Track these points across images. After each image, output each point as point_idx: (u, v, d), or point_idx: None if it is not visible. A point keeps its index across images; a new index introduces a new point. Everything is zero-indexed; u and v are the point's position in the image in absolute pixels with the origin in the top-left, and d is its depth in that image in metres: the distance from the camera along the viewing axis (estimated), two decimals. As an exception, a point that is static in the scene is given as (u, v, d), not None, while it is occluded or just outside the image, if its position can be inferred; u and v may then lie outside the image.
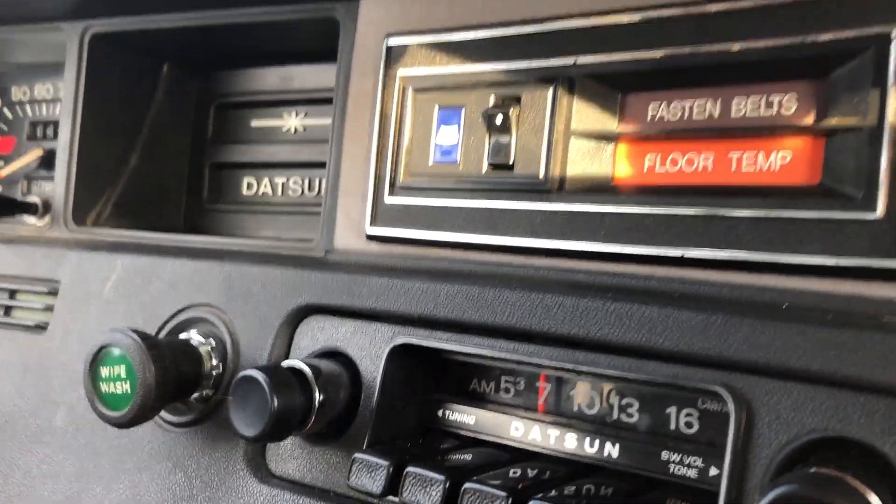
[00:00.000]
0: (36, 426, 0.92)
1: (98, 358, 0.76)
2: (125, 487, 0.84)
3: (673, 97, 0.68)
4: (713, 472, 0.61)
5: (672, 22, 0.65)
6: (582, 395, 0.69)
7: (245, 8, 0.94)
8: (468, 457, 0.68)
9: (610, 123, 0.70)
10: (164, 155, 1.15)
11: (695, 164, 0.67)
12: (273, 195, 1.12)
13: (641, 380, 0.63)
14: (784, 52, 0.61)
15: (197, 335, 0.83)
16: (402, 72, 0.79)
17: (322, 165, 0.90)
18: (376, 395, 0.72)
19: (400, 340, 0.72)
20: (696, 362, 0.60)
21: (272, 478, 0.77)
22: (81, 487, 0.87)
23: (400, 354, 0.72)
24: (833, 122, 0.59)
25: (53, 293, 0.98)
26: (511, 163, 0.72)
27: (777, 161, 0.63)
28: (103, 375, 0.76)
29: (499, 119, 0.72)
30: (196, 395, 0.82)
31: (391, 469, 0.64)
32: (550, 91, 0.71)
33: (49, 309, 0.98)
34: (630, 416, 0.67)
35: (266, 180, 1.13)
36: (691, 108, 0.67)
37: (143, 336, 0.76)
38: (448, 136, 0.77)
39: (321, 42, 0.93)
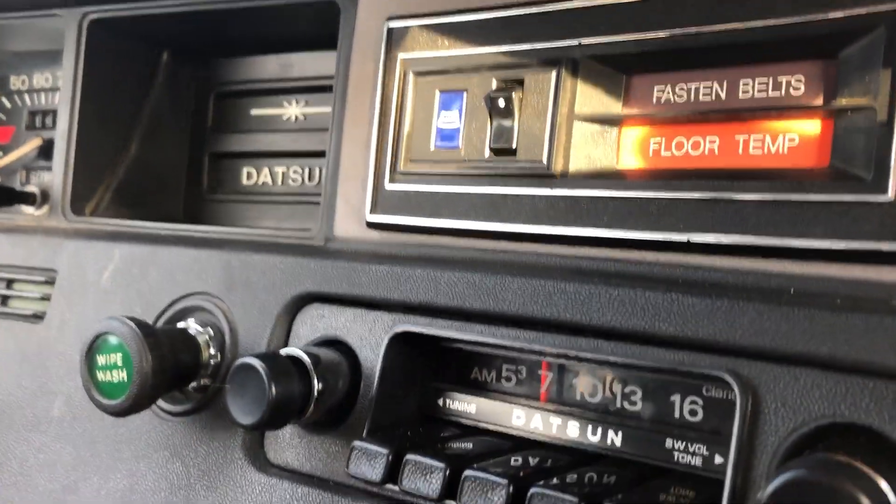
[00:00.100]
0: (33, 416, 0.91)
1: (94, 346, 0.75)
2: (122, 477, 0.83)
3: (679, 79, 0.67)
4: (718, 460, 0.60)
5: (678, 2, 0.64)
6: (584, 383, 0.68)
7: (245, -7, 0.93)
8: (469, 445, 0.67)
9: (614, 106, 0.69)
10: (163, 144, 1.14)
11: (701, 147, 0.65)
12: (273, 185, 1.11)
13: (645, 366, 0.62)
14: (792, 31, 0.60)
15: (195, 324, 0.83)
16: (402, 55, 0.78)
17: (322, 154, 0.88)
18: (376, 383, 0.71)
19: (400, 328, 0.71)
20: (701, 348, 0.58)
21: (270, 467, 0.76)
22: (78, 477, 0.86)
23: (400, 342, 0.71)
24: (842, 102, 0.58)
25: (51, 282, 0.97)
26: (514, 147, 0.71)
27: (785, 143, 0.61)
28: (100, 364, 0.75)
29: (501, 103, 0.71)
30: (194, 384, 0.81)
31: (391, 456, 0.63)
32: (554, 74, 0.69)
33: (46, 298, 0.97)
34: (633, 404, 0.66)
35: (266, 170, 1.12)
36: (697, 90, 0.66)
37: (140, 324, 0.75)
38: (449, 120, 0.75)
39: (321, 28, 0.92)
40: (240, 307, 0.81)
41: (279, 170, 1.11)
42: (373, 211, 0.79)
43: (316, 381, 0.70)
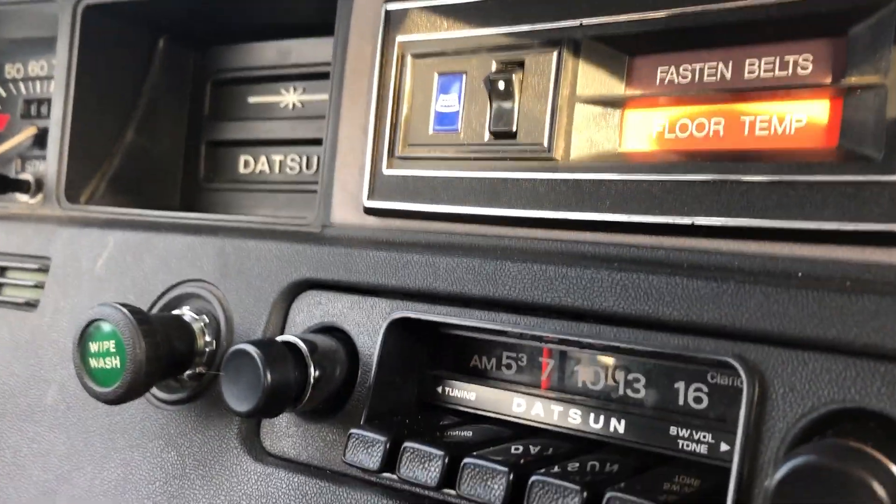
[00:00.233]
0: (26, 405, 0.90)
1: (87, 333, 0.74)
2: (117, 466, 0.82)
3: (682, 59, 0.65)
4: (724, 447, 0.59)
5: (682, -21, 0.63)
6: (586, 370, 0.67)
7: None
8: (468, 433, 0.65)
9: (617, 88, 0.68)
10: (159, 133, 1.13)
11: (705, 128, 0.64)
12: (270, 173, 1.10)
13: (649, 352, 0.61)
14: (799, 8, 0.58)
15: (190, 311, 0.81)
16: (400, 38, 0.77)
17: (320, 142, 0.87)
18: (374, 370, 0.69)
19: (398, 314, 0.70)
20: (706, 333, 0.57)
21: (266, 455, 0.75)
22: (72, 466, 0.84)
23: (398, 329, 0.70)
24: (851, 80, 0.57)
25: (44, 270, 0.95)
26: (514, 130, 0.70)
27: (792, 124, 0.60)
28: (92, 351, 0.74)
29: (501, 85, 0.70)
30: (189, 372, 0.79)
31: (388, 444, 0.62)
32: (555, 55, 0.68)
33: (40, 286, 0.95)
34: (636, 391, 0.64)
35: (263, 158, 1.10)
36: (702, 71, 0.64)
37: (134, 311, 0.73)
38: (448, 103, 0.74)
39: (319, 14, 0.91)
40: (235, 294, 0.80)
41: (276, 158, 1.09)
42: (370, 197, 0.78)
43: (312, 368, 0.69)
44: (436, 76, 0.75)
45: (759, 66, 0.62)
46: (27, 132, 1.18)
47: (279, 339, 0.70)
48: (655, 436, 0.62)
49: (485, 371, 0.72)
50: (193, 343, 0.79)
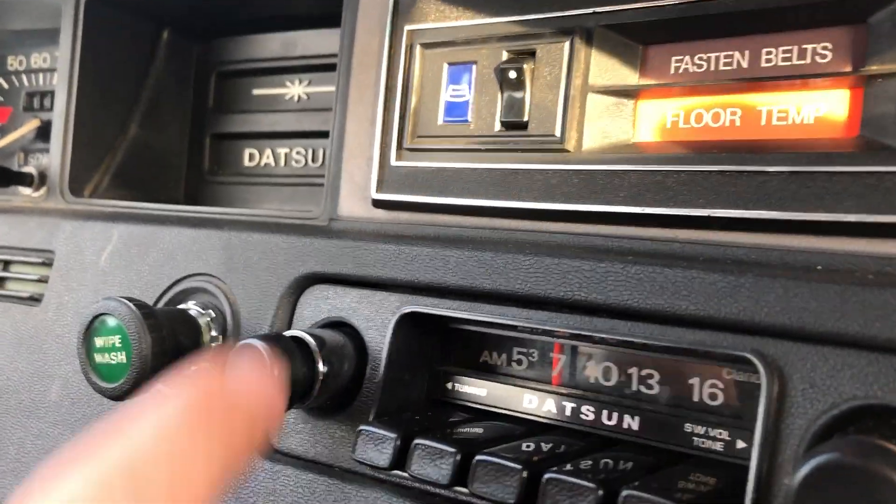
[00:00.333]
0: (30, 400, 0.89)
1: (92, 327, 0.73)
2: (121, 463, 0.81)
3: (697, 49, 0.64)
4: (740, 444, 0.58)
5: (698, -35, 0.61)
6: (599, 365, 0.65)
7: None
8: (479, 430, 0.64)
9: (630, 77, 0.67)
10: (163, 125, 1.12)
11: (721, 119, 0.63)
12: (276, 166, 1.09)
13: (664, 347, 0.60)
14: (819, -5, 0.57)
15: (196, 306, 0.80)
16: (409, 27, 0.75)
17: (326, 135, 0.86)
18: (383, 366, 0.68)
19: (407, 309, 0.69)
20: (723, 327, 0.56)
21: (274, 452, 0.74)
22: (77, 464, 0.83)
23: (407, 324, 0.69)
24: (872, 69, 0.55)
25: (48, 264, 0.94)
26: (525, 121, 0.68)
27: (811, 113, 0.59)
28: (97, 346, 0.72)
29: (512, 74, 0.68)
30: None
31: (399, 441, 0.61)
32: (567, 44, 0.67)
33: (43, 280, 0.94)
34: (650, 387, 0.63)
35: (268, 151, 1.09)
36: (717, 60, 0.63)
37: (140, 305, 0.72)
38: (458, 94, 0.73)
39: (324, 5, 0.89)
40: (241, 289, 0.79)
41: (282, 151, 1.08)
42: (378, 189, 0.77)
43: (320, 364, 0.68)
44: (445, 66, 0.73)
45: (777, 55, 0.60)
46: (30, 125, 1.17)
47: (286, 333, 0.69)
48: (670, 433, 0.61)
49: (495, 367, 0.71)
50: (199, 338, 0.78)
